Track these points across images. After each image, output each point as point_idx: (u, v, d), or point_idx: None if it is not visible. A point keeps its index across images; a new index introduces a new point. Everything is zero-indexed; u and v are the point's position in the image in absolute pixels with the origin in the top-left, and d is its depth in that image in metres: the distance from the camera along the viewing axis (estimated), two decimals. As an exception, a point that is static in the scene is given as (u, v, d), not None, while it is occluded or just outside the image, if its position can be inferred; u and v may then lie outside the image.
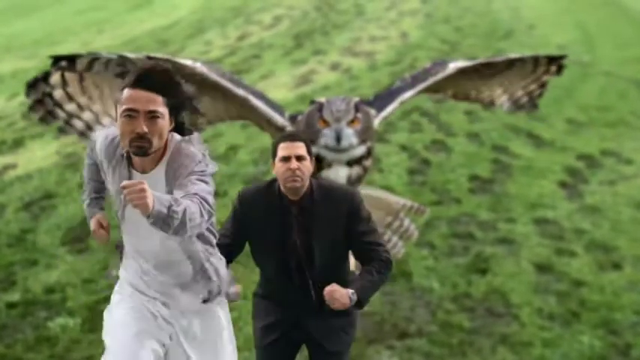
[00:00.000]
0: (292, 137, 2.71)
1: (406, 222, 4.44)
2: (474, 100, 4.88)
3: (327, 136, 3.89)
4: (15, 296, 4.65)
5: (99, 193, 2.67)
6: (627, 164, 7.04)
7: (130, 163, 2.41)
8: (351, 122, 3.90)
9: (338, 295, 2.57)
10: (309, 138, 3.80)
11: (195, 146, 2.41)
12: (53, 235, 5.51)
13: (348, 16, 14.87)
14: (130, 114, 2.26)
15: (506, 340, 4.16)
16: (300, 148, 2.66)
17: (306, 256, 2.72)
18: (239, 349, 4.04)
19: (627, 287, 4.74)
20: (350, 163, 4.00)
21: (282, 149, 2.66)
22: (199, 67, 3.89)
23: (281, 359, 2.90)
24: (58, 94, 3.81)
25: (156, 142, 2.31)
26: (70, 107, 3.89)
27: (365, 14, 15.01)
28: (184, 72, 3.64)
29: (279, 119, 4.19)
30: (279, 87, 9.89)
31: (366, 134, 4.00)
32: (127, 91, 2.28)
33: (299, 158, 2.65)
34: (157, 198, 2.13)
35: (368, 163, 4.11)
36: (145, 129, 2.26)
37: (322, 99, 4.05)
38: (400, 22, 14.20)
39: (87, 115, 3.96)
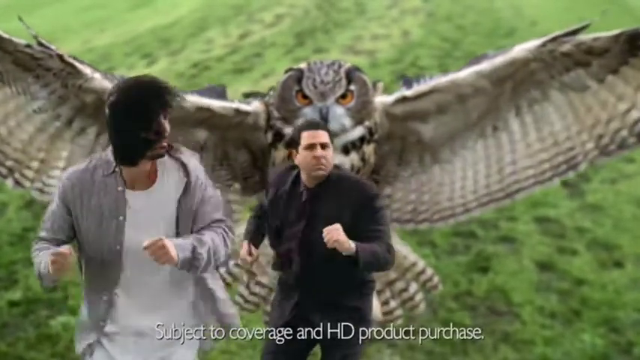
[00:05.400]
0: (315, 125, 2.69)
1: (412, 288, 3.65)
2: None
3: (308, 117, 3.07)
4: (17, 295, 4.65)
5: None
6: (629, 162, 7.02)
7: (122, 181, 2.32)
8: (342, 97, 3.06)
9: (338, 234, 2.44)
10: (284, 117, 3.20)
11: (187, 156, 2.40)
12: (55, 233, 5.50)
13: (350, 15, 14.85)
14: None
15: (508, 338, 4.16)
16: (324, 136, 2.63)
17: (308, 244, 2.63)
18: (242, 347, 4.05)
19: (629, 285, 4.74)
20: (346, 150, 3.14)
21: (306, 137, 2.62)
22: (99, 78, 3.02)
23: (291, 356, 2.77)
24: None
25: None
26: None
27: (366, 12, 14.98)
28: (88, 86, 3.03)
29: (226, 104, 3.22)
30: (280, 85, 9.87)
31: (362, 112, 3.12)
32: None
33: (323, 146, 2.61)
34: (179, 246, 2.15)
35: (369, 149, 3.19)
36: None
37: (302, 65, 3.13)
38: (402, 21, 14.18)
39: None
